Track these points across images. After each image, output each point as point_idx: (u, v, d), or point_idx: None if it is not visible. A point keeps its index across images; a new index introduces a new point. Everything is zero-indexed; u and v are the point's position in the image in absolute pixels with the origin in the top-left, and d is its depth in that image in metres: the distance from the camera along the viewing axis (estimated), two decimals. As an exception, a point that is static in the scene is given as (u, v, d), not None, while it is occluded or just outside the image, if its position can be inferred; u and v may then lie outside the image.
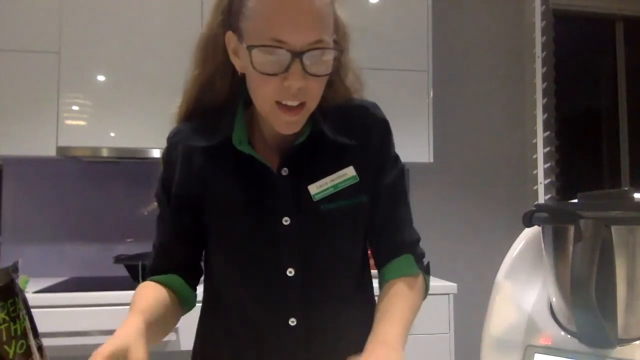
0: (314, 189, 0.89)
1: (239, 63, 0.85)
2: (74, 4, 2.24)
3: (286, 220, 0.88)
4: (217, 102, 0.92)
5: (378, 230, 0.95)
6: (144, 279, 0.93)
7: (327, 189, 0.89)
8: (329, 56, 0.81)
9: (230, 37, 0.84)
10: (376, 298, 0.94)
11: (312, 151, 0.89)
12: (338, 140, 0.90)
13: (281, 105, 0.80)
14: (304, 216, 0.89)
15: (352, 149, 0.91)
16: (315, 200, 0.89)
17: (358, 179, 0.90)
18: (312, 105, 0.83)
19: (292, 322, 0.90)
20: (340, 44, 0.85)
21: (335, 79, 0.91)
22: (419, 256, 0.94)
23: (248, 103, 0.89)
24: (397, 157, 0.97)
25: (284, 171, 0.89)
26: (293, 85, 0.78)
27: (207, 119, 0.92)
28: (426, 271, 0.95)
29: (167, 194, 0.93)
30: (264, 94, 0.81)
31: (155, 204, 0.96)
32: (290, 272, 0.89)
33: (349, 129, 0.91)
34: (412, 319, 0.88)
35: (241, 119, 0.90)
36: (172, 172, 0.92)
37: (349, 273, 0.95)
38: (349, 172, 0.90)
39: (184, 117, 0.94)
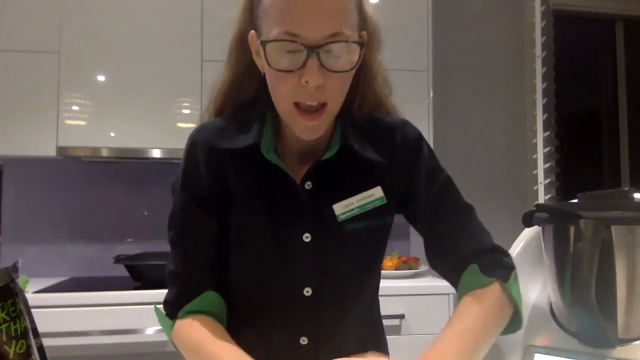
0: (340, 208, 0.85)
1: (260, 63, 0.80)
2: (74, 4, 2.23)
3: (307, 237, 0.85)
4: (245, 102, 0.88)
5: (436, 249, 0.89)
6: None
7: (353, 209, 0.85)
8: (351, 51, 0.75)
9: (252, 37, 0.81)
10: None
11: (340, 167, 0.85)
12: (367, 157, 0.85)
13: (300, 108, 0.76)
14: (325, 234, 0.85)
15: (380, 167, 0.86)
16: (340, 220, 0.85)
17: (385, 200, 0.86)
18: (333, 107, 0.78)
19: (304, 340, 0.87)
20: (364, 39, 0.79)
21: (362, 83, 0.87)
22: (487, 264, 0.83)
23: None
24: (435, 170, 0.91)
25: (307, 185, 0.84)
26: (310, 82, 0.72)
27: (234, 118, 0.87)
28: (503, 278, 0.81)
29: (196, 195, 0.86)
30: (281, 94, 0.77)
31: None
32: (308, 291, 0.86)
33: (378, 147, 0.87)
34: (476, 332, 0.77)
35: (270, 124, 0.85)
36: (196, 174, 0.86)
37: (364, 291, 0.91)
38: (377, 192, 0.86)
39: (213, 116, 0.91)
